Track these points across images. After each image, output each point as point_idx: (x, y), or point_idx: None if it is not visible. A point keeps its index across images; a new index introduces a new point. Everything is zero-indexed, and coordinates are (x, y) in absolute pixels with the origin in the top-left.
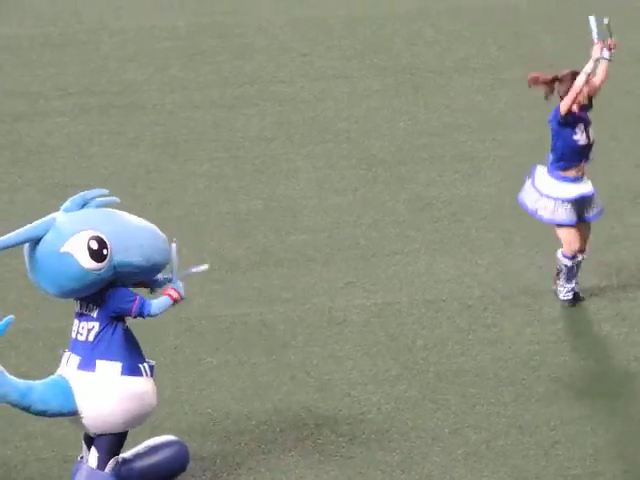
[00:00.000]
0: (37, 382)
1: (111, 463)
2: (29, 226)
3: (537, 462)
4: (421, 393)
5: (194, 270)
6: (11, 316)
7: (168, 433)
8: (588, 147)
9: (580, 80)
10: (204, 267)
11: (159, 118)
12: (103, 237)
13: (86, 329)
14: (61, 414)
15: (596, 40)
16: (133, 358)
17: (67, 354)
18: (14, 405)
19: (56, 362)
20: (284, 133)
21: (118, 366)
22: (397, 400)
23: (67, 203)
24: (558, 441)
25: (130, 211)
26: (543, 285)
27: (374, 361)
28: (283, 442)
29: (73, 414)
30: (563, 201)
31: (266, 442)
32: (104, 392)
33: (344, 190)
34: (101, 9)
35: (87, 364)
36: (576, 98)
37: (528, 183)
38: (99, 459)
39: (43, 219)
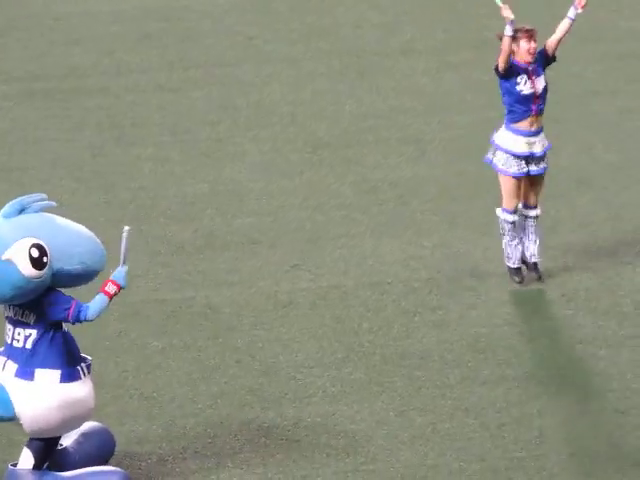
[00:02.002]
0: None
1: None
2: None
3: (483, 444)
4: (367, 376)
5: (124, 243)
6: None
7: (113, 417)
8: (534, 97)
9: (505, 43)
10: (126, 230)
11: (104, 102)
12: (43, 245)
13: (23, 336)
14: (1, 420)
15: (500, 4)
16: (71, 363)
17: (2, 359)
18: None
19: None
20: (230, 116)
21: (57, 374)
22: (342, 383)
23: (6, 208)
24: (504, 423)
25: (76, 195)
26: (489, 267)
27: (320, 344)
28: (229, 426)
29: (11, 420)
30: (515, 155)
31: (212, 426)
32: (43, 400)
33: (290, 173)
34: None
35: (25, 372)
36: (507, 58)
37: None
38: (35, 460)
39: None
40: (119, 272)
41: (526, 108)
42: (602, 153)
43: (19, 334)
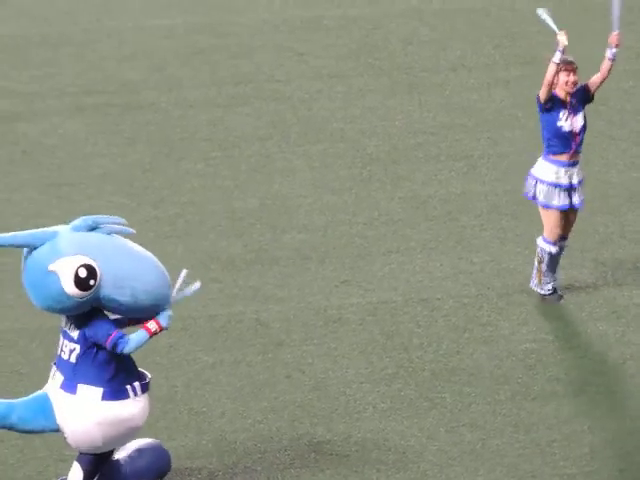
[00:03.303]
0: (19, 401)
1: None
2: (29, 232)
3: (533, 461)
4: (417, 392)
5: (179, 285)
6: None
7: (163, 431)
8: (574, 134)
9: (550, 70)
10: (196, 286)
11: (155, 117)
12: (96, 267)
13: (69, 349)
14: (44, 431)
15: (556, 30)
16: (118, 381)
17: (54, 368)
18: None
19: (52, 361)
20: (279, 132)
21: (99, 391)
22: (392, 399)
23: (78, 221)
24: (554, 440)
25: (125, 210)
26: None
27: (369, 360)
28: (279, 441)
29: (56, 431)
30: (556, 186)
31: (262, 441)
32: (84, 416)
33: (339, 189)
34: (97, 8)
35: (68, 386)
36: (549, 87)
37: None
38: (84, 473)
39: (46, 229)
40: (164, 313)
41: (565, 145)
42: None
43: (66, 346)
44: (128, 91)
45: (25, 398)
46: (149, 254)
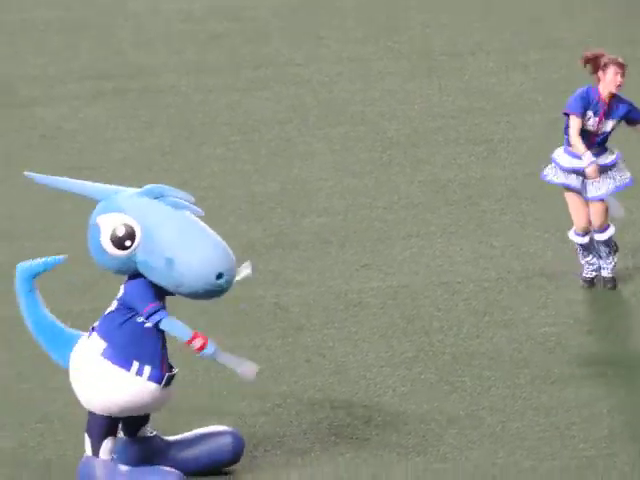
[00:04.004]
0: (67, 330)
1: (106, 444)
2: (96, 185)
3: (552, 444)
4: (437, 375)
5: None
6: (63, 256)
7: (183, 414)
8: (596, 135)
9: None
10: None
11: (174, 101)
12: (136, 230)
13: (111, 304)
14: (56, 361)
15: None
16: (127, 350)
17: None
18: None
19: None
20: (299, 116)
21: (102, 345)
22: (413, 382)
23: (147, 187)
24: (574, 423)
25: None
26: (559, 267)
27: (390, 343)
28: (299, 424)
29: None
30: (573, 171)
31: (282, 424)
32: (82, 360)
33: (359, 172)
34: None
35: (91, 331)
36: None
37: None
38: (91, 444)
39: (111, 186)
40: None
41: (585, 141)
42: None
43: (112, 301)
44: (147, 75)
45: (73, 330)
46: (216, 241)
